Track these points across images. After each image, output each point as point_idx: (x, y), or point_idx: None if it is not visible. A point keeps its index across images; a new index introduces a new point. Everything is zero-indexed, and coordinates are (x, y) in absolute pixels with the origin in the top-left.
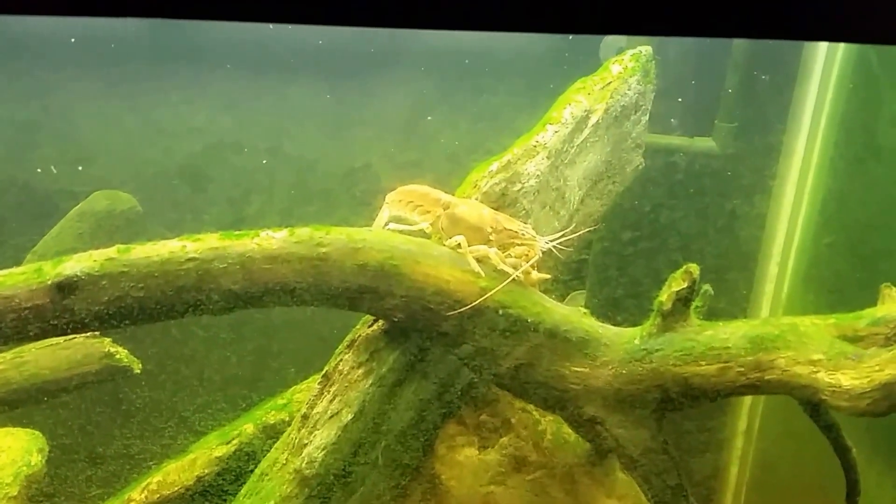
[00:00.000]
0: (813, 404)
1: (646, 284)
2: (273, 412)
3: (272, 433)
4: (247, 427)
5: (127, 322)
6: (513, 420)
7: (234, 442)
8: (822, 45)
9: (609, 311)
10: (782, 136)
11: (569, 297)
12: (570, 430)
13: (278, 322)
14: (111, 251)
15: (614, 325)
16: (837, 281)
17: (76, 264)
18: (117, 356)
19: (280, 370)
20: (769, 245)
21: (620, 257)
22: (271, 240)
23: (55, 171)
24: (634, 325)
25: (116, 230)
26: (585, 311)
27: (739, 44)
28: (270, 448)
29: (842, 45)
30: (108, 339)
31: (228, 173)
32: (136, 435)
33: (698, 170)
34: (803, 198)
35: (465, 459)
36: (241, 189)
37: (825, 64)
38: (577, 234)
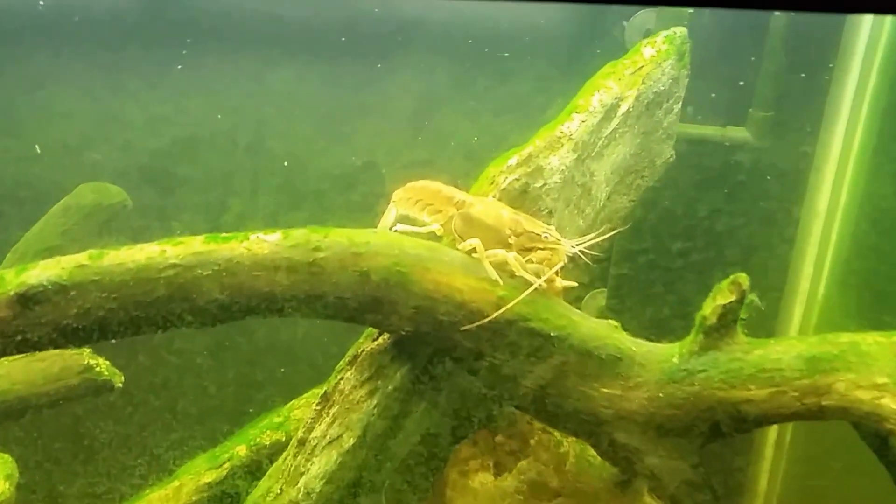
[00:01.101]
0: (878, 436)
1: (670, 285)
2: (268, 432)
3: (267, 455)
4: (239, 449)
5: (99, 337)
6: (532, 441)
7: (226, 466)
8: (865, 27)
9: (631, 312)
10: (820, 125)
11: (588, 295)
12: (595, 453)
13: (262, 346)
14: (81, 257)
15: (638, 329)
16: (879, 282)
17: (42, 273)
18: (97, 369)
19: (265, 402)
20: (804, 243)
21: (643, 256)
22: (263, 243)
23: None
24: (658, 329)
25: (105, 226)
26: (616, 323)
27: (775, 26)
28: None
29: (886, 27)
30: (87, 351)
31: (201, 173)
32: (102, 473)
33: (730, 162)
34: (841, 192)
35: (479, 486)
36: (217, 192)
37: (867, 46)
38: (606, 235)
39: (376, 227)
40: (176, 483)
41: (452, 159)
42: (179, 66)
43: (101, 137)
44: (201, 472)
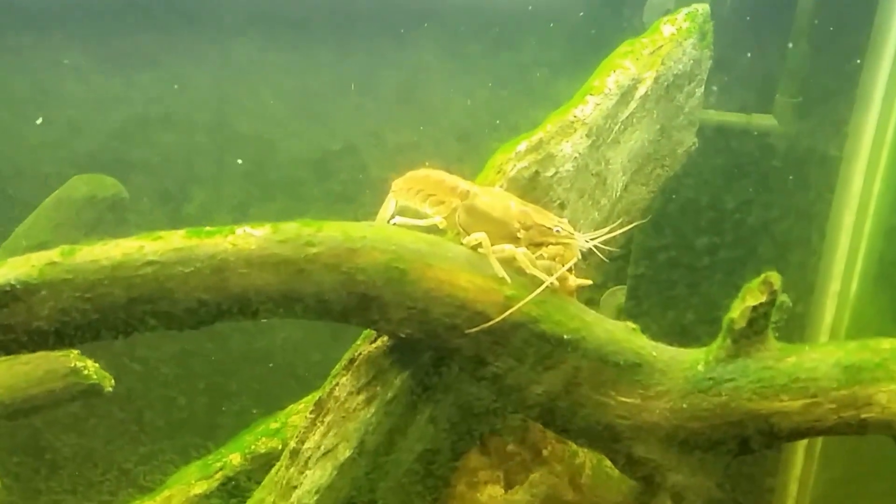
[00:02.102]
0: None
1: (693, 284)
2: (263, 439)
3: (263, 464)
4: (233, 458)
5: (73, 341)
6: (545, 451)
7: (218, 476)
8: None
9: (651, 314)
10: (851, 111)
11: (606, 292)
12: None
13: (236, 354)
14: (53, 254)
15: (658, 332)
16: None
17: (10, 271)
18: (85, 372)
19: (241, 414)
20: (835, 237)
21: (664, 252)
22: (250, 238)
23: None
24: (681, 332)
25: (99, 220)
26: (635, 326)
27: (804, 5)
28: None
29: None
30: (74, 352)
31: (157, 158)
32: (68, 489)
33: (756, 151)
34: (874, 182)
35: (488, 500)
36: (177, 179)
37: None
38: (624, 229)
39: (360, 220)
40: (166, 493)
41: (444, 142)
42: (128, 38)
43: (43, 118)
44: (192, 482)
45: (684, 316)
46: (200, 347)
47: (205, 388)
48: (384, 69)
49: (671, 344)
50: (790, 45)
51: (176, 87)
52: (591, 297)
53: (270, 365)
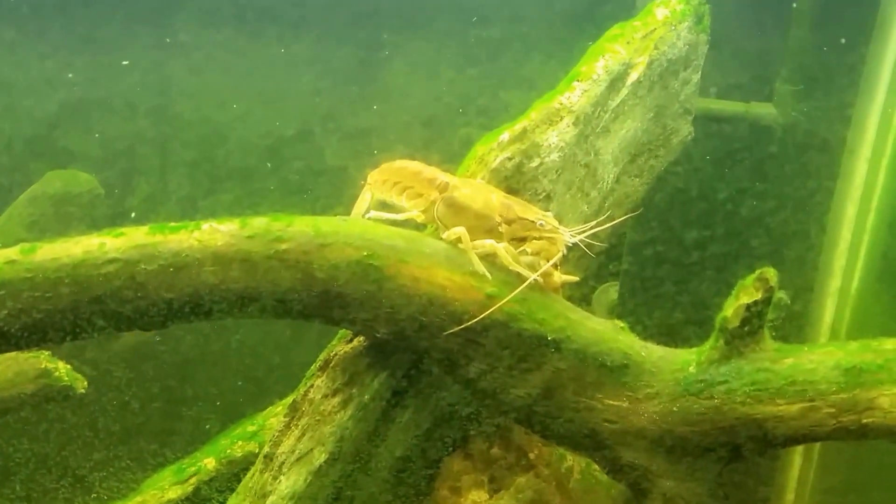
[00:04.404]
0: None
1: (687, 281)
2: (240, 443)
3: (239, 468)
4: (207, 462)
5: (35, 341)
6: (531, 455)
7: (192, 481)
8: None
9: (643, 311)
10: (855, 100)
11: (599, 289)
12: None
13: (192, 356)
14: (12, 252)
15: (651, 332)
16: None
17: None
18: (56, 374)
19: (198, 420)
20: (836, 231)
21: (659, 245)
22: (216, 234)
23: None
24: (675, 328)
25: (74, 216)
26: (623, 324)
27: None
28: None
29: None
30: (45, 354)
31: (96, 145)
32: (22, 496)
33: (755, 140)
34: (878, 174)
35: None
36: (118, 169)
37: None
38: (610, 224)
39: (316, 213)
40: (139, 499)
41: (407, 127)
42: (63, 17)
43: None
44: (166, 486)
45: (678, 313)
46: (152, 350)
47: (158, 393)
48: (337, 46)
49: (667, 343)
50: (791, 29)
51: (114, 69)
52: (583, 296)
53: (228, 368)
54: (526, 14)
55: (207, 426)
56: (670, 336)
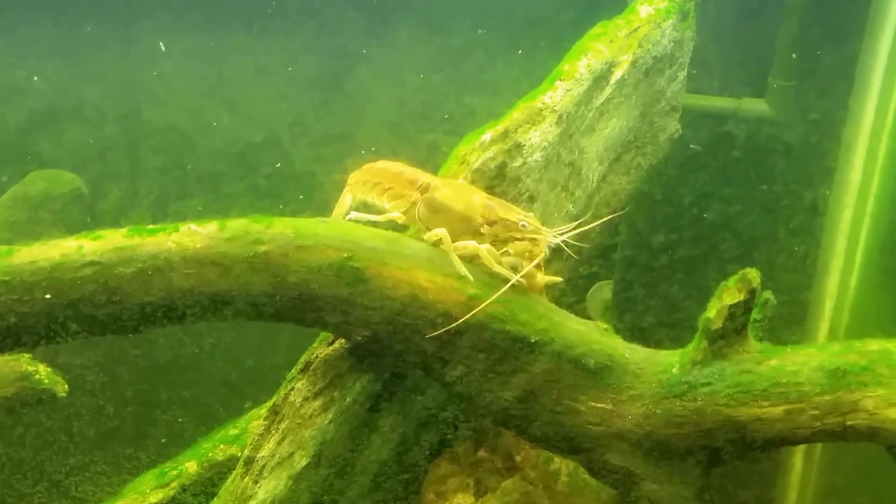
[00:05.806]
0: None
1: (681, 277)
2: (222, 446)
3: (221, 472)
4: (189, 465)
5: (11, 345)
6: (518, 457)
7: (174, 485)
8: None
9: (637, 310)
10: (849, 96)
11: (593, 287)
12: None
13: (164, 361)
14: None
15: (644, 333)
16: None
17: None
18: (36, 377)
19: (172, 424)
20: (833, 230)
21: (652, 245)
22: (195, 236)
23: None
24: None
25: (57, 216)
26: (606, 326)
27: None
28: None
29: None
30: (25, 357)
31: (66, 152)
32: None
33: (747, 138)
34: (874, 172)
35: None
36: (89, 175)
37: None
38: (596, 223)
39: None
40: (120, 503)
41: (374, 132)
42: (33, 25)
43: None
44: (147, 490)
45: (674, 312)
46: (124, 354)
47: (132, 397)
48: (303, 53)
49: (663, 341)
50: (784, 24)
51: (83, 77)
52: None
53: (202, 371)
54: (488, 22)
55: (181, 430)
56: (669, 332)
